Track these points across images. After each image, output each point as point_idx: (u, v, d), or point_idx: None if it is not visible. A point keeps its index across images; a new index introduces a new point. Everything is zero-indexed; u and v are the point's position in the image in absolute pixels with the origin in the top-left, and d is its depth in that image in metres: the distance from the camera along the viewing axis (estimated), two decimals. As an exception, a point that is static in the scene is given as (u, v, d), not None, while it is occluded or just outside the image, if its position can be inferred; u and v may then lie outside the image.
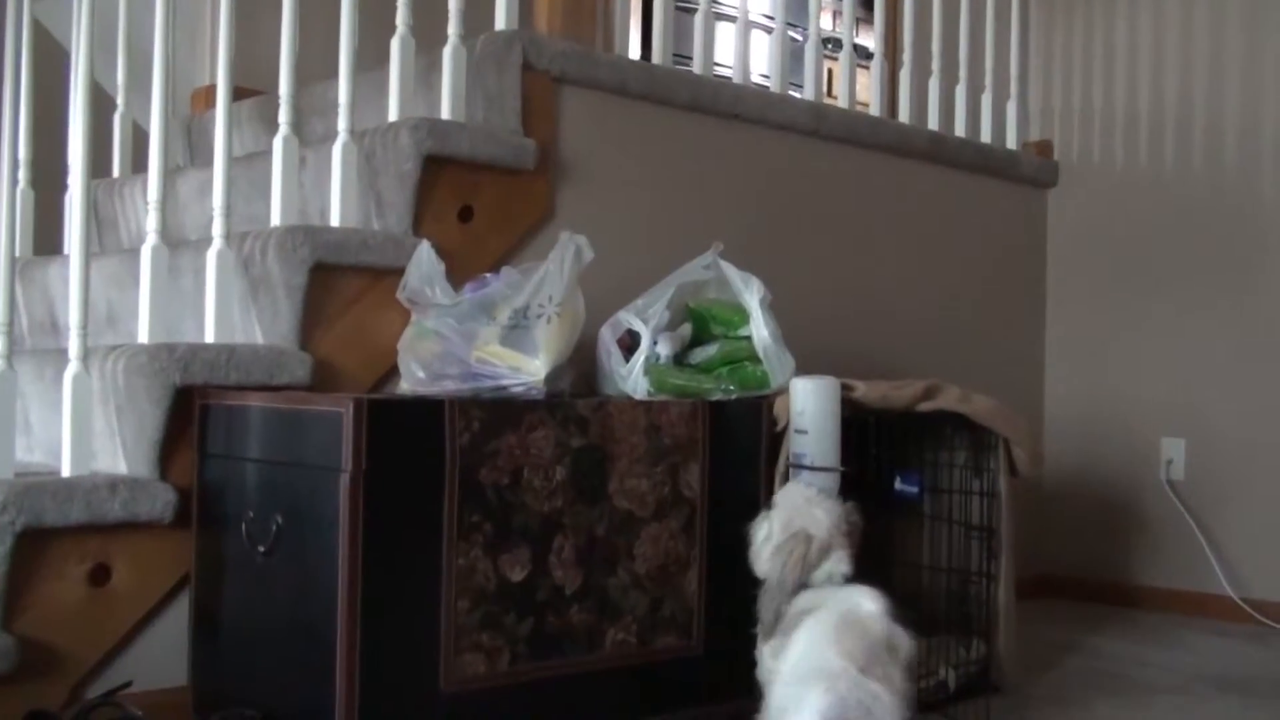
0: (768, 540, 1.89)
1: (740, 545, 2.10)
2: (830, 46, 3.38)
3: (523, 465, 1.90)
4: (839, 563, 1.86)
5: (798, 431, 2.16)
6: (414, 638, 1.79)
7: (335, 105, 2.36)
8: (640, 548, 2.03)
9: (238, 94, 2.44)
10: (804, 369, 2.27)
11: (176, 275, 2.28)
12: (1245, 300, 3.33)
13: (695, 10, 2.89)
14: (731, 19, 3.00)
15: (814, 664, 1.63)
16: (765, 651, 1.83)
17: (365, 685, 1.73)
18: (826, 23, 5.53)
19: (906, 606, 2.44)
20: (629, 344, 2.28)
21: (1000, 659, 2.42)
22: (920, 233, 3.31)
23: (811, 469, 2.14)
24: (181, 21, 2.85)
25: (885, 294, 3.21)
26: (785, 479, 2.18)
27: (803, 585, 1.83)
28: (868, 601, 1.68)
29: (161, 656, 2.03)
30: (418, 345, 2.13)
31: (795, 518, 1.89)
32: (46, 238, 2.86)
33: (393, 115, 2.42)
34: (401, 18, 2.43)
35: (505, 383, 2.04)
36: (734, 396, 2.23)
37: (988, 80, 3.54)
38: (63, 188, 2.71)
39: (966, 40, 3.48)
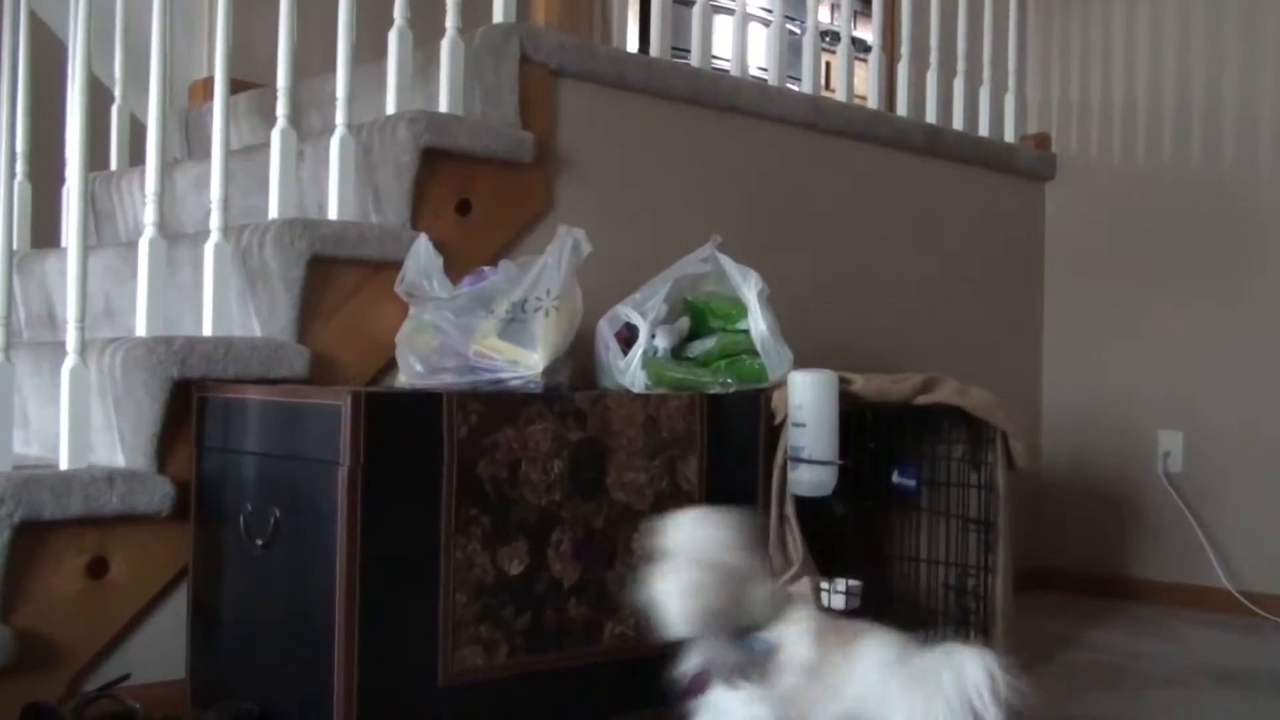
0: (670, 593, 1.51)
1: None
2: (828, 39, 3.38)
3: (521, 458, 1.90)
4: (764, 583, 1.53)
5: (795, 425, 2.16)
6: (412, 631, 1.79)
7: (333, 98, 2.36)
8: (638, 541, 2.03)
9: (235, 87, 2.44)
10: (802, 362, 2.27)
11: (174, 268, 2.28)
12: (1243, 292, 3.33)
13: (693, 3, 2.89)
14: (730, 12, 3.00)
15: None
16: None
17: (363, 678, 1.73)
18: (825, 16, 5.52)
19: (903, 600, 2.45)
20: (627, 337, 2.28)
21: (997, 652, 2.42)
22: (918, 226, 3.31)
23: (809, 462, 2.15)
24: (179, 14, 2.85)
25: (883, 287, 3.21)
26: (784, 472, 2.18)
27: (748, 626, 1.50)
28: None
29: (159, 649, 2.03)
30: (416, 338, 2.13)
31: (693, 549, 1.52)
32: (44, 230, 2.86)
33: (390, 108, 2.42)
34: (399, 11, 2.43)
35: (503, 376, 2.04)
36: (732, 390, 2.23)
37: (985, 73, 3.54)
38: (60, 180, 2.70)
39: (964, 33, 3.48)
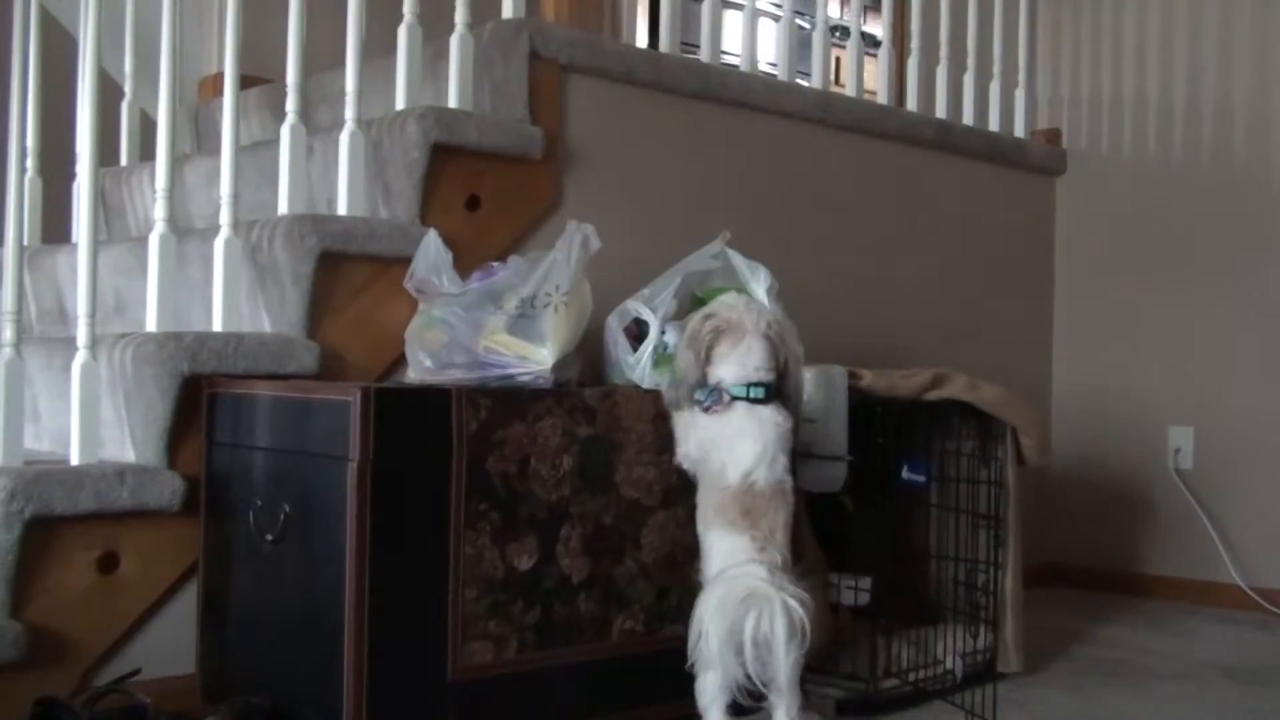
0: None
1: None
2: (838, 35, 3.37)
3: (530, 454, 1.90)
4: (749, 353, 1.90)
5: (805, 420, 2.16)
6: (421, 626, 1.79)
7: (343, 94, 2.36)
8: (647, 536, 2.03)
9: (245, 82, 2.44)
10: (811, 358, 2.26)
11: (184, 263, 2.28)
12: (1254, 288, 3.32)
13: (703, -2, 2.89)
14: (739, 7, 2.99)
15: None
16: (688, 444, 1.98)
17: (373, 673, 1.73)
18: (834, 11, 5.52)
19: (913, 595, 2.45)
20: (636, 333, 2.27)
21: (1007, 647, 2.42)
22: (928, 221, 3.30)
23: (819, 458, 2.14)
24: (189, 9, 2.85)
25: (892, 283, 3.21)
26: (794, 467, 2.18)
27: (703, 372, 1.91)
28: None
29: (170, 644, 2.04)
30: (425, 334, 2.13)
31: (711, 306, 1.96)
32: (54, 226, 2.87)
33: (400, 104, 2.42)
34: (408, 6, 2.43)
35: (512, 372, 2.04)
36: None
37: (996, 68, 3.53)
38: (70, 176, 2.71)
39: (974, 28, 3.47)
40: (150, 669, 1.98)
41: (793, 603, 1.72)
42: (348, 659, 1.72)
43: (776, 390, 1.94)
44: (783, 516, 1.88)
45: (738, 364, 1.92)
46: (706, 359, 1.92)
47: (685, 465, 2.00)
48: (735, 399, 1.90)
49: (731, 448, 1.88)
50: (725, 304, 1.98)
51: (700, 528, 1.91)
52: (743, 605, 1.73)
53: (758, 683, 1.75)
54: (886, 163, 3.20)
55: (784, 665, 1.72)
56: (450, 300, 2.13)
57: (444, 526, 1.81)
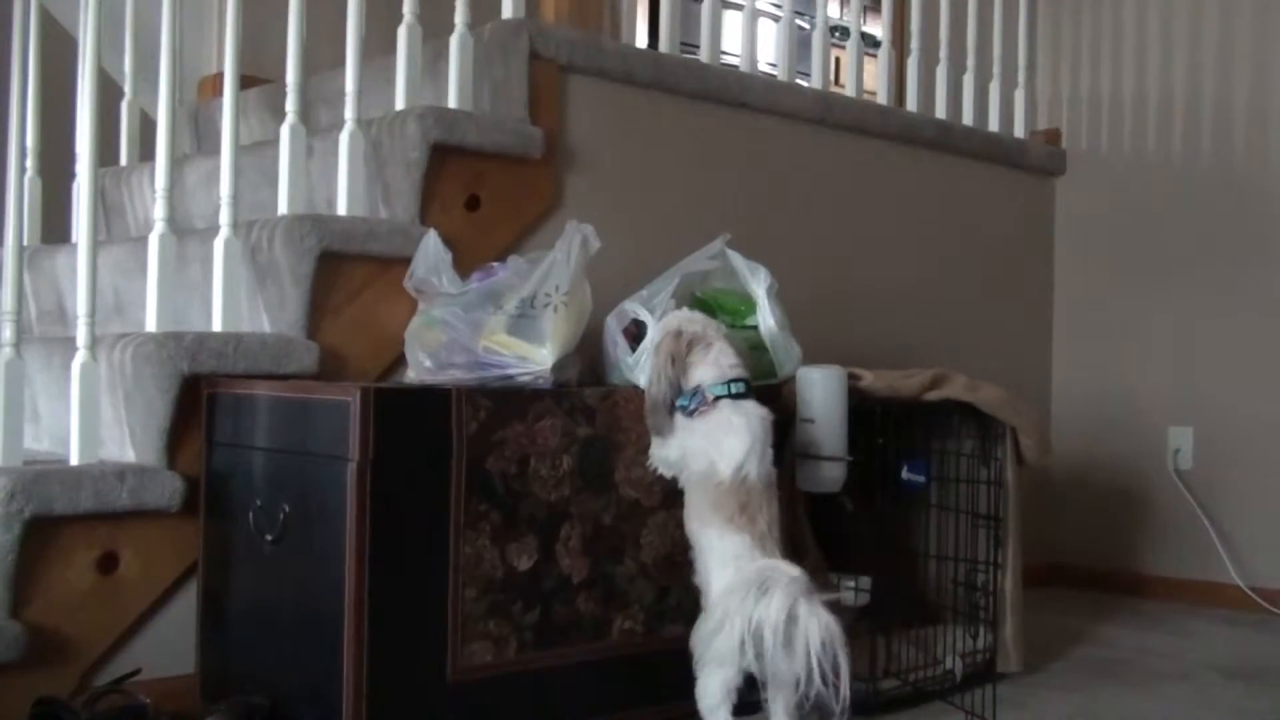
0: (646, 353, 2.02)
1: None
2: (838, 35, 3.36)
3: (530, 454, 1.90)
4: (721, 354, 1.94)
5: (804, 421, 2.16)
6: (421, 626, 1.79)
7: (342, 94, 2.36)
8: (647, 536, 2.03)
9: (245, 82, 2.44)
10: (811, 358, 2.27)
11: (184, 263, 2.28)
12: (1254, 288, 3.32)
13: (702, -2, 2.89)
14: (739, 7, 2.99)
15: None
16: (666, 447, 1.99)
17: (372, 673, 1.73)
18: (834, 11, 5.52)
19: (912, 595, 2.45)
20: (635, 333, 2.27)
21: (1007, 647, 2.42)
22: (928, 221, 3.30)
23: (819, 458, 2.14)
24: (189, 9, 2.85)
25: (892, 283, 3.21)
26: (793, 468, 2.18)
27: (678, 386, 1.93)
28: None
29: (170, 644, 2.04)
30: (424, 334, 2.13)
31: (669, 323, 2.00)
32: (54, 226, 2.87)
33: (400, 104, 2.42)
34: (408, 6, 2.43)
35: (512, 372, 2.04)
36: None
37: (995, 68, 3.53)
38: (70, 176, 2.71)
39: (974, 28, 3.47)
40: (150, 669, 1.98)
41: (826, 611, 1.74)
42: (347, 659, 1.72)
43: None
44: (775, 510, 1.89)
45: (713, 365, 1.94)
46: (682, 372, 1.94)
47: (662, 470, 2.01)
48: (718, 398, 1.91)
49: (719, 444, 1.89)
50: (684, 318, 2.01)
51: (694, 525, 1.92)
52: (785, 609, 1.72)
53: (766, 682, 1.75)
54: (886, 163, 3.20)
55: (845, 669, 1.71)
56: (450, 300, 2.13)
57: (444, 526, 1.81)
